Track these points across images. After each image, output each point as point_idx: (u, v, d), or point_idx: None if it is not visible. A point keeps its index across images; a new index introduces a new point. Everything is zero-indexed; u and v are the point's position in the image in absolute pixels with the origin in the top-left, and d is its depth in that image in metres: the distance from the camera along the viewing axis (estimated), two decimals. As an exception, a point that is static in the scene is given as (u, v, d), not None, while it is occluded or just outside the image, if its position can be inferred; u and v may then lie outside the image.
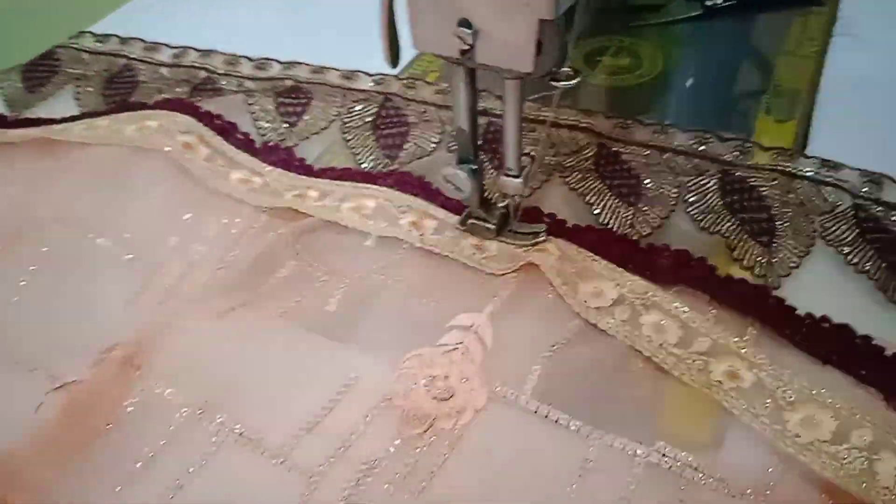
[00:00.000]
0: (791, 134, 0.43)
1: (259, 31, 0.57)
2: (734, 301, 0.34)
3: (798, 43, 0.50)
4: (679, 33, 0.53)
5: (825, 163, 0.40)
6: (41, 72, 0.53)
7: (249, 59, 0.52)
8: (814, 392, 0.30)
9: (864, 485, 0.27)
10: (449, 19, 0.30)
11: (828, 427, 0.29)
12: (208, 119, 0.45)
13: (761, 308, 0.34)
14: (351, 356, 0.33)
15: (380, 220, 0.39)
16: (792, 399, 0.30)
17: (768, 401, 0.30)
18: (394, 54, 0.34)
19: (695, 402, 0.31)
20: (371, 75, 0.49)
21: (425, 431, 0.31)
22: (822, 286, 0.35)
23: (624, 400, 0.31)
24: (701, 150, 0.42)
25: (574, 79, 0.32)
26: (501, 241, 0.38)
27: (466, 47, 0.30)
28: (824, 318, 0.33)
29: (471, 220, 0.38)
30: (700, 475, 0.29)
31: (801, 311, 0.33)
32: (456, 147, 0.36)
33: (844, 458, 0.28)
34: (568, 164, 0.42)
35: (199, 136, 0.44)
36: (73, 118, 0.47)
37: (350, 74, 0.50)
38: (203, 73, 0.51)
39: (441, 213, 0.39)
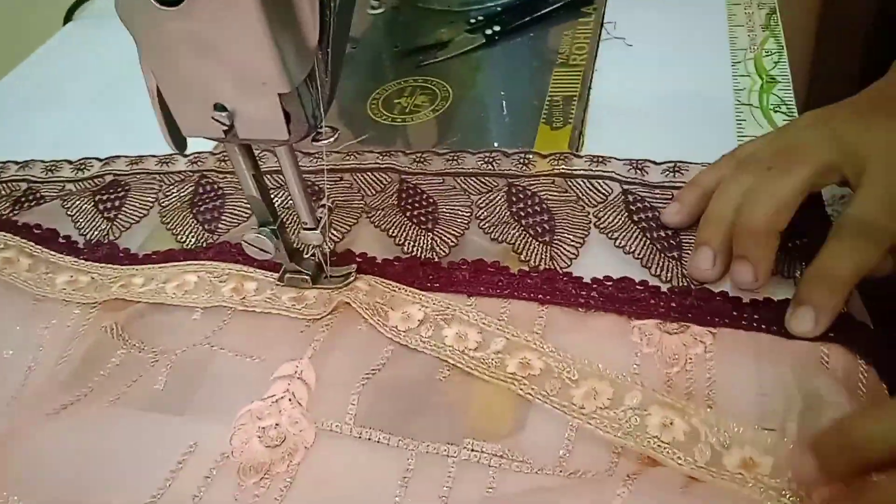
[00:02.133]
0: (566, 139, 0.48)
1: (82, 134, 0.58)
2: (529, 291, 0.38)
3: (569, 54, 0.56)
4: (468, 64, 0.58)
5: (594, 158, 0.45)
6: None
7: (69, 161, 0.54)
8: (592, 367, 0.34)
9: (639, 438, 0.32)
10: (205, 105, 0.33)
11: (606, 395, 0.33)
12: (26, 231, 0.47)
13: (553, 287, 0.38)
14: (187, 426, 0.36)
15: (201, 293, 0.41)
16: (575, 377, 0.34)
17: (556, 382, 0.34)
18: (176, 139, 0.37)
19: (496, 397, 0.35)
20: (187, 156, 0.52)
21: (262, 479, 0.33)
22: (598, 270, 0.39)
23: (435, 409, 0.35)
24: (488, 169, 0.46)
25: (333, 136, 0.35)
26: (318, 288, 0.41)
27: (226, 127, 0.34)
28: (608, 277, 0.38)
29: (287, 275, 0.41)
30: (505, 461, 0.32)
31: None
32: (254, 213, 0.39)
33: (621, 419, 0.32)
34: (374, 205, 0.45)
35: (19, 249, 0.45)
36: None
37: (167, 159, 0.52)
38: (24, 185, 0.53)
39: (260, 274, 0.42)
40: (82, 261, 0.45)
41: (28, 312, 0.42)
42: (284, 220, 0.41)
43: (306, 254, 0.41)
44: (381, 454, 0.33)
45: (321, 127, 0.35)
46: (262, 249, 0.39)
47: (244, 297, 0.41)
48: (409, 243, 0.43)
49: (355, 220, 0.45)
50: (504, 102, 0.53)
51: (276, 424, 0.35)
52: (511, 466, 0.32)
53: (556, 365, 0.35)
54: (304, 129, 0.34)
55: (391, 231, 0.43)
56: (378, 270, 0.41)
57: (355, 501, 0.32)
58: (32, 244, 0.46)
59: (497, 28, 0.58)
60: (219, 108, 0.33)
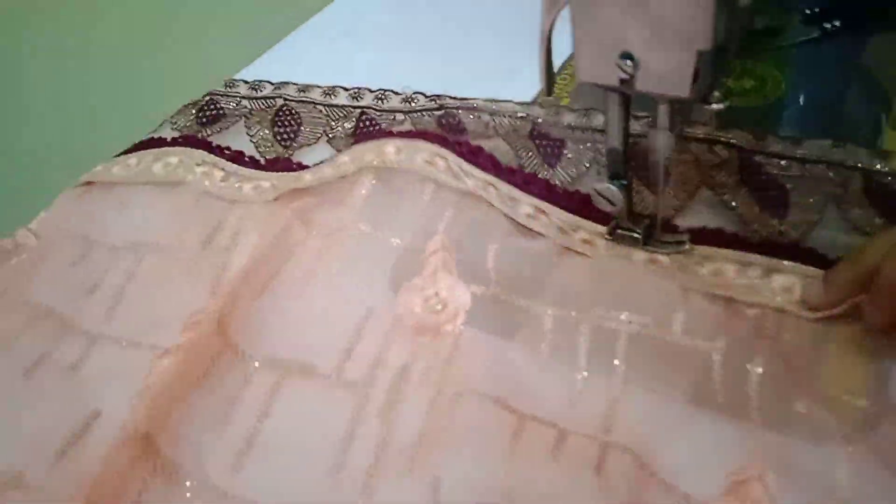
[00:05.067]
0: (919, 147, 0.45)
1: (390, 68, 0.61)
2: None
3: (918, 60, 0.52)
4: (798, 55, 0.55)
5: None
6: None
7: (245, 81, 0.60)
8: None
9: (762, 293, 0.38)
10: (612, 53, 0.34)
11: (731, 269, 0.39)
12: (220, 151, 0.54)
13: None
14: (363, 292, 0.42)
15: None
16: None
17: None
18: (549, 83, 0.39)
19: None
20: (347, 90, 0.57)
21: (433, 337, 0.39)
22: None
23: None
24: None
25: (723, 101, 0.35)
26: (646, 250, 0.41)
27: (627, 77, 0.34)
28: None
29: (619, 231, 0.42)
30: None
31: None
32: (608, 164, 0.40)
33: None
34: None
35: (213, 164, 0.52)
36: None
37: (330, 90, 0.58)
38: (207, 98, 0.59)
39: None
40: (264, 172, 0.51)
41: (225, 209, 0.50)
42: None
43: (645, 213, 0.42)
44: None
45: (714, 91, 0.35)
46: (609, 200, 0.40)
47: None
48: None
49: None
50: (840, 101, 0.51)
51: (437, 293, 0.41)
52: None
53: None
54: (703, 90, 0.34)
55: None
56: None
57: (512, 359, 0.38)
58: (225, 160, 0.53)
59: (837, 23, 0.55)
60: (625, 56, 0.34)
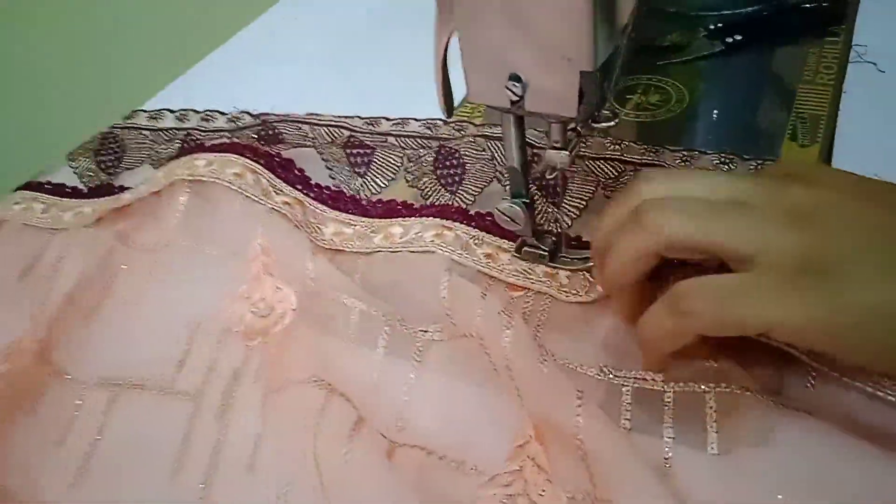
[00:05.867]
0: (815, 157, 0.47)
1: (310, 91, 0.62)
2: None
3: (815, 72, 0.54)
4: (702, 69, 0.57)
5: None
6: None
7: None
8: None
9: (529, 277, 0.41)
10: (501, 75, 0.35)
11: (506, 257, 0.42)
12: (39, 186, 0.54)
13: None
14: (191, 308, 0.43)
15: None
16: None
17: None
18: (448, 106, 0.39)
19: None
20: (173, 112, 0.59)
21: (264, 339, 0.41)
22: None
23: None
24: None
25: (612, 120, 0.36)
26: (553, 266, 0.42)
27: (516, 98, 0.35)
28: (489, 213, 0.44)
29: (525, 248, 0.42)
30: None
31: None
32: (510, 184, 0.40)
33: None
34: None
35: (33, 199, 0.53)
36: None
37: (157, 114, 0.59)
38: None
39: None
40: (85, 200, 0.52)
41: (46, 239, 0.50)
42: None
43: (549, 231, 0.42)
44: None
45: (603, 110, 0.36)
46: (512, 220, 0.40)
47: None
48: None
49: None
50: (743, 112, 0.53)
51: (262, 298, 0.42)
52: None
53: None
54: (590, 110, 0.35)
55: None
56: None
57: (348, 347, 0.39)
58: (44, 195, 0.53)
59: (739, 37, 0.57)
60: (513, 78, 0.34)
